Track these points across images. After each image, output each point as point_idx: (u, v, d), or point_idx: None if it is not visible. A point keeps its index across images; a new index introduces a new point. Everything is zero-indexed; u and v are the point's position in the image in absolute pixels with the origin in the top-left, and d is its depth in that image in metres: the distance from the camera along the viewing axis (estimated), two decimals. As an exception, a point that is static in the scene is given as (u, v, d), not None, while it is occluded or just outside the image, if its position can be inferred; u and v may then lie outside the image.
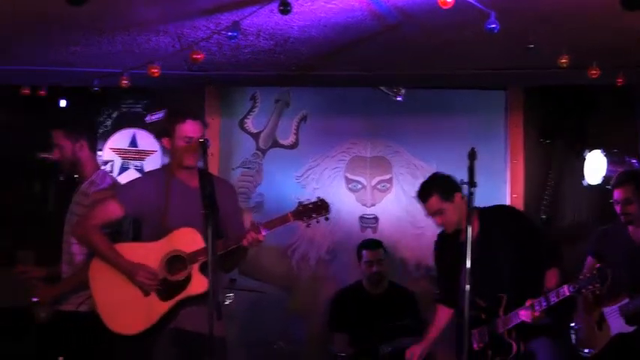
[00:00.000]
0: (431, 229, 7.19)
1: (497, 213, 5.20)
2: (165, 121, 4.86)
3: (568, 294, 4.61)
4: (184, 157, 4.64)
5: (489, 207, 5.14)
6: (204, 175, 4.34)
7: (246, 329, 6.96)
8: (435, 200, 5.00)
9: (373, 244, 6.76)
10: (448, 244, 5.15)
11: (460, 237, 4.98)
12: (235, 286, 6.47)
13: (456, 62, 5.86)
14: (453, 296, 5.06)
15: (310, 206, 4.61)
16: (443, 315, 5.30)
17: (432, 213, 5.05)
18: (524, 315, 4.73)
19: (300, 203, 4.62)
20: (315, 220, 4.61)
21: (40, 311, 5.03)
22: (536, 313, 4.69)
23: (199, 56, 5.10)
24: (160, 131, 4.84)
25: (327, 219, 4.67)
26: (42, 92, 6.47)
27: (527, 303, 4.74)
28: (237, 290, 6.46)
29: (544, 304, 4.65)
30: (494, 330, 4.90)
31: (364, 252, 6.70)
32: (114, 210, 4.67)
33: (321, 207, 4.63)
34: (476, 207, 4.78)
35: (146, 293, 4.54)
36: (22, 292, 5.15)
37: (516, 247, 4.92)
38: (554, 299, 4.63)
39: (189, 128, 4.61)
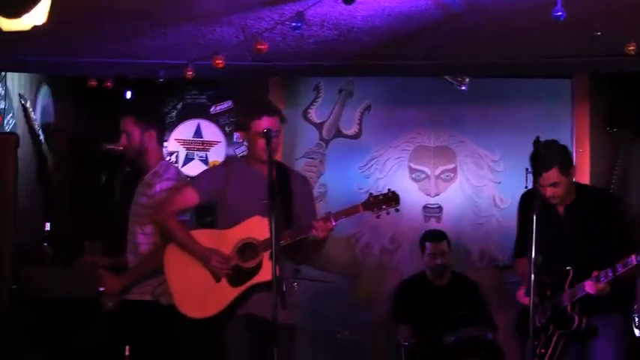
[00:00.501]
0: (494, 219, 7.23)
1: (594, 191, 5.16)
2: (242, 115, 4.91)
3: (635, 263, 4.50)
4: (262, 151, 4.62)
5: (587, 185, 5.03)
6: (272, 165, 4.35)
7: (310, 318, 6.97)
8: (554, 172, 4.77)
9: (437, 236, 6.71)
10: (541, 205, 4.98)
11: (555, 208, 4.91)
12: (300, 275, 6.49)
13: (520, 50, 5.78)
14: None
15: (381, 197, 4.61)
16: (525, 265, 5.11)
17: (545, 184, 4.81)
18: (589, 286, 4.64)
19: (370, 194, 4.64)
20: (385, 211, 4.61)
21: (107, 301, 5.06)
22: (601, 285, 4.59)
23: (263, 47, 5.10)
24: (236, 124, 4.88)
25: (397, 210, 4.66)
26: (108, 84, 6.53)
27: (594, 274, 4.65)
28: (301, 280, 6.47)
29: (610, 274, 4.56)
30: (558, 304, 4.84)
31: (428, 244, 6.66)
32: (190, 197, 4.76)
33: (391, 198, 4.62)
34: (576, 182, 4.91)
35: (217, 279, 4.60)
36: (89, 282, 5.20)
37: (601, 229, 4.82)
38: (620, 269, 4.53)
39: (265, 124, 4.62)
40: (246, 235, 4.60)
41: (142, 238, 5.07)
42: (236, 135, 4.93)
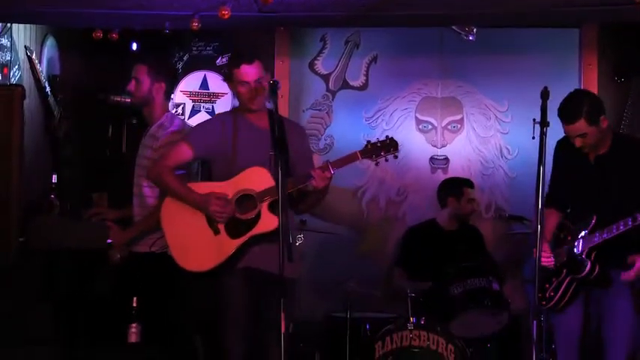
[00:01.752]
0: (501, 170, 7.23)
1: (631, 141, 5.08)
2: (227, 67, 4.89)
3: None
4: (246, 100, 4.70)
5: (626, 134, 4.97)
6: (273, 116, 4.34)
7: (316, 270, 7.00)
8: (581, 123, 4.70)
9: (472, 184, 6.79)
10: (573, 152, 4.94)
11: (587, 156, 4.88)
12: (306, 227, 6.50)
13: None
14: (564, 200, 4.99)
15: (379, 144, 4.58)
16: (553, 218, 5.10)
17: (573, 135, 4.76)
18: (607, 232, 4.65)
19: (368, 142, 4.61)
20: (384, 158, 4.59)
21: (114, 253, 5.09)
22: (621, 231, 4.58)
23: (269, -3, 5.06)
24: (225, 77, 4.84)
25: (395, 157, 4.64)
26: (114, 35, 6.48)
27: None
28: (307, 231, 6.51)
29: (630, 223, 4.54)
30: (574, 249, 4.81)
31: (467, 189, 6.70)
32: (185, 152, 4.73)
33: (389, 145, 4.60)
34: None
35: (216, 230, 4.60)
36: (96, 235, 5.20)
37: (632, 179, 4.78)
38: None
39: (244, 72, 4.65)
40: (243, 187, 4.60)
41: (149, 190, 5.08)
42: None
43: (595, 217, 4.73)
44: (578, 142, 4.76)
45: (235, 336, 4.61)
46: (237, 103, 4.94)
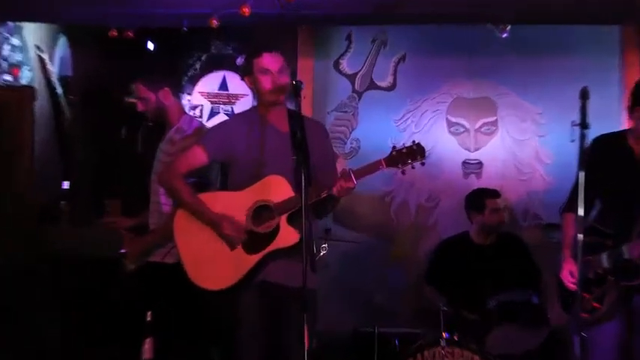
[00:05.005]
0: (538, 174, 7.15)
1: None
2: (244, 61, 4.80)
3: None
4: (268, 93, 4.56)
5: None
6: (293, 116, 4.28)
7: (341, 282, 6.95)
8: None
9: (495, 192, 6.60)
10: (614, 149, 4.88)
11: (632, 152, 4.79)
12: (330, 236, 6.45)
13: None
14: (591, 204, 4.86)
15: (404, 151, 4.41)
16: (572, 223, 4.99)
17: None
18: None
19: (393, 148, 4.42)
20: (410, 165, 4.47)
21: (128, 263, 5.06)
22: None
23: (291, -7, 5.02)
24: (242, 71, 4.76)
25: (422, 164, 4.46)
26: (129, 34, 6.47)
27: None
28: (331, 240, 6.43)
29: None
30: (621, 254, 4.70)
31: (489, 201, 6.53)
32: (198, 156, 4.60)
33: (416, 151, 4.42)
34: None
35: (232, 247, 4.48)
36: (110, 243, 5.18)
37: None
38: None
39: (266, 61, 4.53)
40: (261, 197, 4.47)
41: (165, 198, 5.02)
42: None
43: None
44: None
45: (252, 353, 4.54)
46: (256, 103, 4.86)
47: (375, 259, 7.19)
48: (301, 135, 4.14)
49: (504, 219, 6.61)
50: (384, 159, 4.39)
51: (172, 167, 4.66)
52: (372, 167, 4.39)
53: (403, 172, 4.43)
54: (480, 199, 6.56)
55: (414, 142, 4.44)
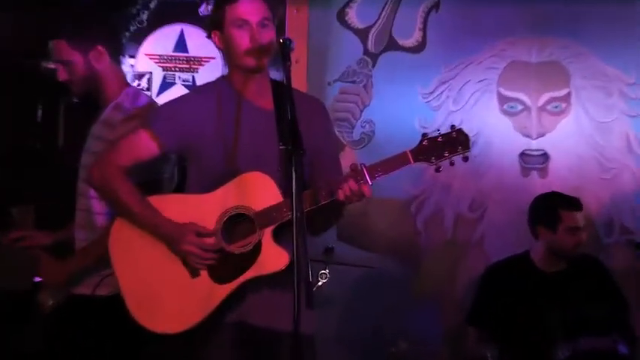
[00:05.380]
0: (628, 171, 7.16)
1: None
2: (213, 9, 4.79)
3: None
4: (242, 54, 4.52)
5: None
6: (279, 89, 4.26)
7: (349, 322, 6.98)
8: None
9: (575, 203, 6.54)
10: None
11: None
12: (332, 258, 6.48)
13: None
14: None
15: (440, 140, 4.38)
16: None
17: None
18: None
19: (424, 136, 4.40)
20: (449, 161, 4.47)
21: (46, 296, 5.07)
22: None
23: None
24: (209, 24, 4.76)
25: (466, 159, 4.44)
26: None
27: None
28: (334, 264, 6.45)
29: None
30: None
31: (565, 213, 6.49)
32: (146, 145, 4.56)
33: (456, 140, 4.39)
34: None
35: (194, 272, 4.47)
36: (18, 269, 5.20)
37: None
38: None
39: (242, 9, 4.51)
40: (236, 203, 4.45)
41: (99, 204, 5.02)
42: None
43: None
44: None
45: None
46: (227, 71, 4.86)
47: (396, 290, 7.24)
48: (292, 115, 4.13)
49: (584, 240, 6.54)
50: (410, 150, 4.36)
51: (109, 160, 4.60)
52: (395, 162, 4.35)
53: (438, 170, 4.42)
54: (552, 210, 6.54)
55: (453, 127, 4.41)
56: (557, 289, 6.47)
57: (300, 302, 3.86)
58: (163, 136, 4.57)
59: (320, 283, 6.22)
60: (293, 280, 3.86)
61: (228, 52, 4.63)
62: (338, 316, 6.84)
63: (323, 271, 6.27)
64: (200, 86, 5.25)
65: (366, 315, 7.09)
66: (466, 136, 4.39)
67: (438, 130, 4.40)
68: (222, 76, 4.84)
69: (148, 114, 4.81)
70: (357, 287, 7.07)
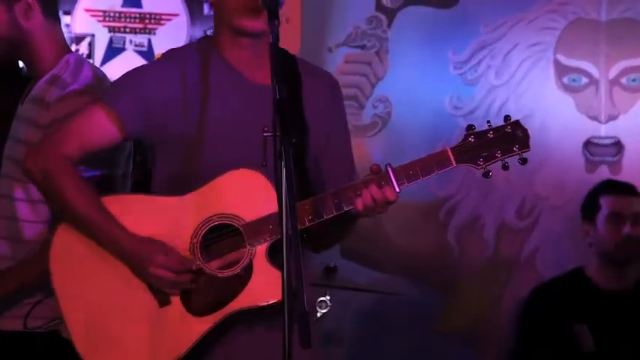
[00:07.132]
0: None
1: None
2: None
3: None
4: (240, 14, 4.43)
5: None
6: (278, 56, 4.21)
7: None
8: None
9: (622, 187, 6.66)
10: None
11: None
12: (335, 281, 6.47)
13: None
14: None
15: (491, 136, 4.35)
16: None
17: None
18: None
19: (470, 129, 4.36)
20: (503, 162, 4.42)
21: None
22: None
23: None
24: None
25: (523, 161, 4.37)
26: None
27: None
28: (337, 289, 6.47)
29: None
30: None
31: (605, 198, 6.59)
32: (104, 128, 4.52)
33: (512, 137, 4.33)
34: None
35: (163, 300, 4.45)
36: None
37: None
38: None
39: None
40: (219, 209, 4.43)
41: (27, 209, 5.02)
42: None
43: None
44: None
45: None
46: (198, 34, 4.83)
47: (418, 324, 7.30)
48: (280, 91, 4.05)
49: (633, 234, 6.58)
50: (452, 148, 4.29)
51: (52, 144, 4.56)
52: (431, 162, 4.30)
53: (487, 175, 4.34)
54: (593, 198, 6.67)
55: (507, 118, 4.34)
56: (620, 311, 6.60)
57: (291, 341, 3.74)
58: (127, 117, 4.50)
59: (319, 315, 6.21)
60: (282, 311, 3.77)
61: (220, 10, 4.58)
62: (343, 357, 6.82)
63: (323, 298, 6.26)
64: (172, 50, 5.16)
65: (378, 355, 7.07)
66: (525, 131, 4.31)
67: (489, 123, 4.33)
68: (204, 38, 4.79)
69: (104, 88, 4.81)
70: (366, 319, 7.07)
